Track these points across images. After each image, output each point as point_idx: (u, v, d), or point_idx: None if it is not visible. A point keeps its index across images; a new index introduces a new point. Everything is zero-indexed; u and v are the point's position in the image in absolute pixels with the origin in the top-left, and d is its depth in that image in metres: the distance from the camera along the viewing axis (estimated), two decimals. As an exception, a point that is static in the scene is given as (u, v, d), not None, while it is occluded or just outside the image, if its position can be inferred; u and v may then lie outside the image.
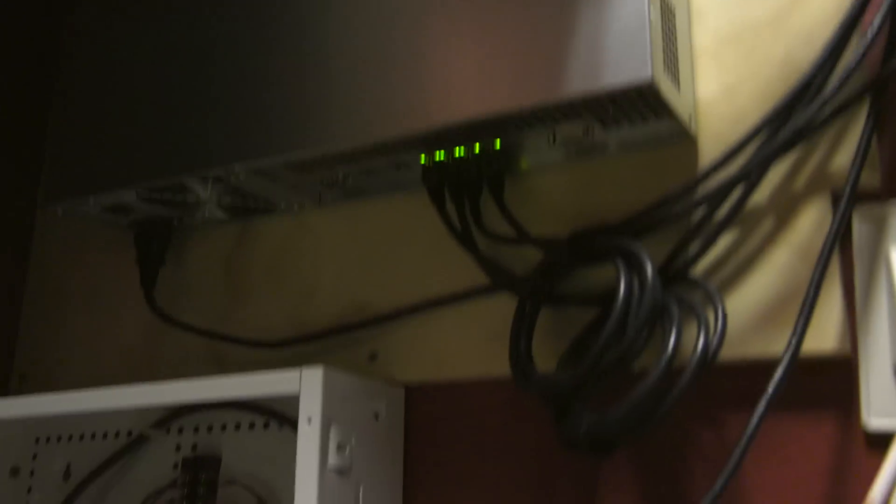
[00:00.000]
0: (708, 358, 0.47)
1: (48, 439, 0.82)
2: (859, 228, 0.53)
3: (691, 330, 0.50)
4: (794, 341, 0.49)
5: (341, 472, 0.58)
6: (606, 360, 0.49)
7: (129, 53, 0.70)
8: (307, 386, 0.58)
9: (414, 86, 0.57)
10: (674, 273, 0.54)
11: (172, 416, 0.75)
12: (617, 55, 0.50)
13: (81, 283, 0.84)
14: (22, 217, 0.88)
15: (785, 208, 0.54)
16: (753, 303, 0.54)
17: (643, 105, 0.54)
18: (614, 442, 0.49)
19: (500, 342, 0.61)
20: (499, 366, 0.61)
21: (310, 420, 0.57)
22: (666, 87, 0.51)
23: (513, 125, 0.57)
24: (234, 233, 0.77)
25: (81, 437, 0.81)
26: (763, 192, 0.55)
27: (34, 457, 0.82)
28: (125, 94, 0.69)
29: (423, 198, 0.67)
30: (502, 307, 0.62)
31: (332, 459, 0.57)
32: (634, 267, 0.51)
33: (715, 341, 0.48)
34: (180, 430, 0.75)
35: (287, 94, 0.62)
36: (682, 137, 0.58)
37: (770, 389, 0.47)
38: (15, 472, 0.82)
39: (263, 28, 0.64)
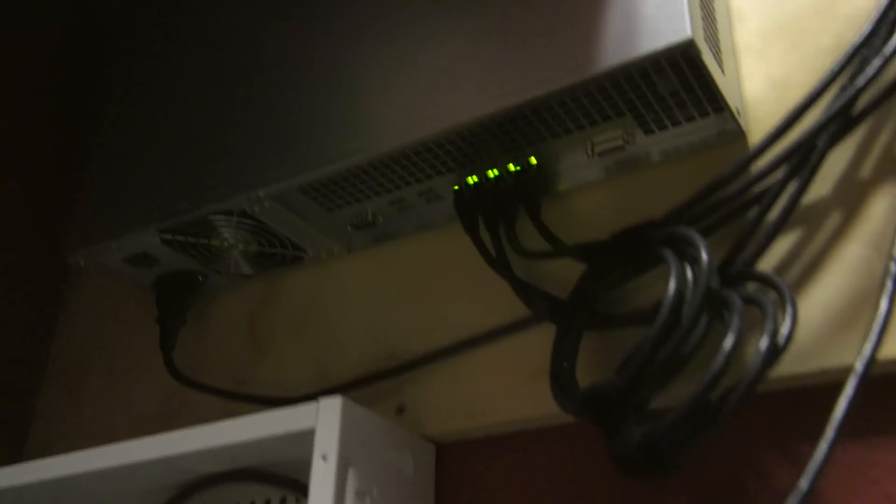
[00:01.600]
0: (777, 352, 0.40)
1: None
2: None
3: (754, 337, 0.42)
4: (868, 348, 0.41)
5: (359, 523, 0.50)
6: (660, 358, 0.42)
7: (148, 99, 0.70)
8: (324, 419, 0.51)
9: (443, 82, 0.54)
10: (734, 273, 0.48)
11: (182, 495, 0.68)
12: (653, 20, 0.47)
13: (102, 352, 0.80)
14: (52, 284, 0.86)
15: (852, 197, 0.48)
16: (824, 306, 0.46)
17: (686, 90, 0.50)
18: (672, 454, 0.41)
19: (541, 379, 0.55)
20: (541, 406, 0.54)
21: (325, 457, 0.50)
22: (709, 60, 0.47)
23: (548, 126, 0.53)
24: (259, 291, 0.73)
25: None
26: (825, 181, 0.49)
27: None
28: (144, 138, 0.68)
29: (454, 233, 0.63)
30: (542, 340, 0.55)
31: (350, 506, 0.50)
32: (686, 253, 0.44)
33: (785, 332, 0.41)
34: (193, 512, 0.68)
35: (306, 112, 0.60)
36: (732, 135, 0.53)
37: (842, 405, 0.39)
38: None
39: (276, 52, 0.64)
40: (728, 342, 0.40)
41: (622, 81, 0.50)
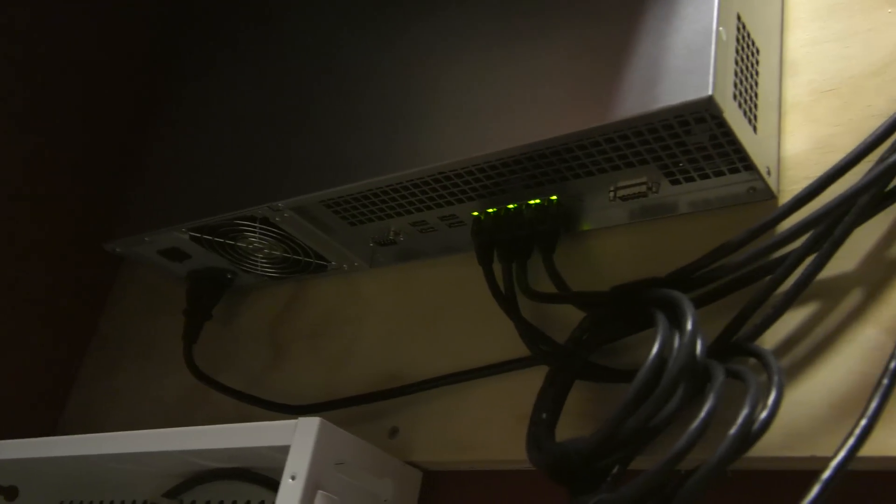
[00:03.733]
0: (750, 433, 0.37)
1: (71, 503, 0.78)
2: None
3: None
4: (850, 442, 0.36)
5: (321, 547, 0.49)
6: (628, 426, 0.39)
7: (199, 105, 0.71)
8: (300, 438, 0.51)
9: (469, 114, 0.53)
10: (733, 344, 0.44)
11: (187, 484, 0.69)
12: (678, 73, 0.44)
13: (141, 339, 0.82)
14: (103, 270, 0.90)
15: (875, 277, 0.44)
16: (828, 389, 0.42)
17: (715, 146, 0.47)
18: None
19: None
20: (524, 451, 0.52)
21: (294, 477, 0.50)
22: (734, 119, 0.44)
23: (569, 167, 0.51)
24: (285, 294, 0.73)
25: (102, 504, 0.77)
26: (848, 257, 0.45)
27: (56, 520, 0.78)
28: (192, 140, 0.70)
29: (474, 261, 0.61)
30: (539, 382, 0.53)
31: (313, 528, 0.49)
32: (675, 320, 0.42)
33: (762, 417, 0.37)
34: (193, 504, 0.69)
35: (333, 128, 0.60)
36: (762, 194, 0.49)
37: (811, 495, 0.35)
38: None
39: (308, 68, 0.64)
40: (696, 421, 0.37)
41: (645, 131, 0.47)
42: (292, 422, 0.52)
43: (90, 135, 0.89)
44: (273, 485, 0.63)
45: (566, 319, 0.55)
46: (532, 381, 0.55)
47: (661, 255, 0.53)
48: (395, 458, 0.56)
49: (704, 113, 0.44)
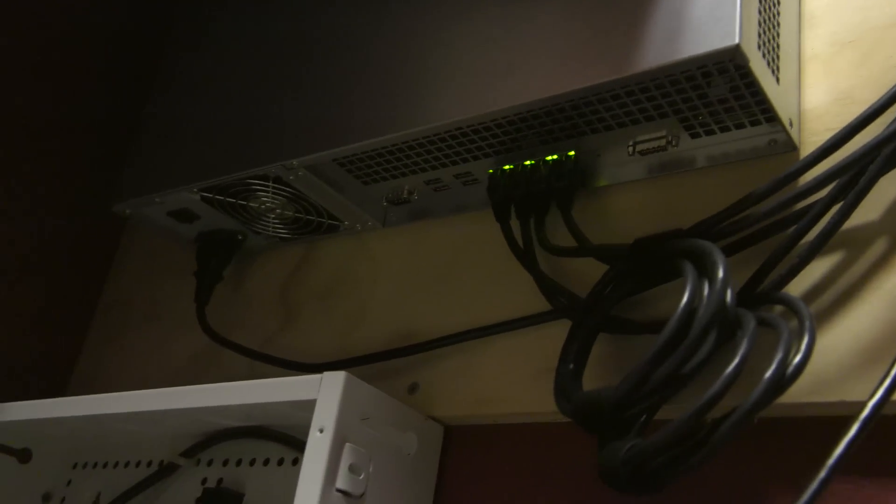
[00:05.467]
0: (783, 379, 0.37)
1: (85, 465, 0.79)
2: None
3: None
4: (883, 387, 0.37)
5: (350, 498, 0.50)
6: (659, 374, 0.40)
7: (201, 65, 0.70)
8: (326, 392, 0.51)
9: (484, 68, 0.53)
10: (759, 293, 0.45)
11: (203, 444, 0.69)
12: (702, 22, 0.44)
13: (146, 301, 0.82)
14: (108, 232, 0.89)
15: (902, 225, 0.44)
16: (854, 336, 0.43)
17: (737, 97, 0.47)
18: (658, 474, 0.39)
19: (551, 376, 0.53)
20: (549, 403, 0.52)
21: (322, 430, 0.50)
22: (759, 69, 0.44)
23: (588, 122, 0.52)
24: (294, 256, 0.73)
25: (116, 465, 0.77)
26: (873, 207, 0.45)
27: (68, 483, 0.79)
28: (196, 100, 0.69)
29: (488, 218, 0.61)
30: (558, 336, 0.54)
31: (342, 481, 0.49)
32: (706, 268, 0.42)
33: (796, 362, 0.38)
34: (210, 463, 0.70)
35: (346, 86, 0.59)
36: (783, 146, 0.50)
37: (842, 445, 0.36)
38: (47, 497, 0.78)
39: (320, 26, 0.63)
40: (730, 367, 0.37)
41: (666, 83, 0.47)
42: (317, 376, 0.52)
43: (97, 96, 0.88)
44: (291, 441, 0.63)
45: (583, 275, 0.55)
46: (550, 335, 0.55)
47: (679, 210, 0.53)
48: (418, 413, 0.57)
49: (729, 63, 0.44)
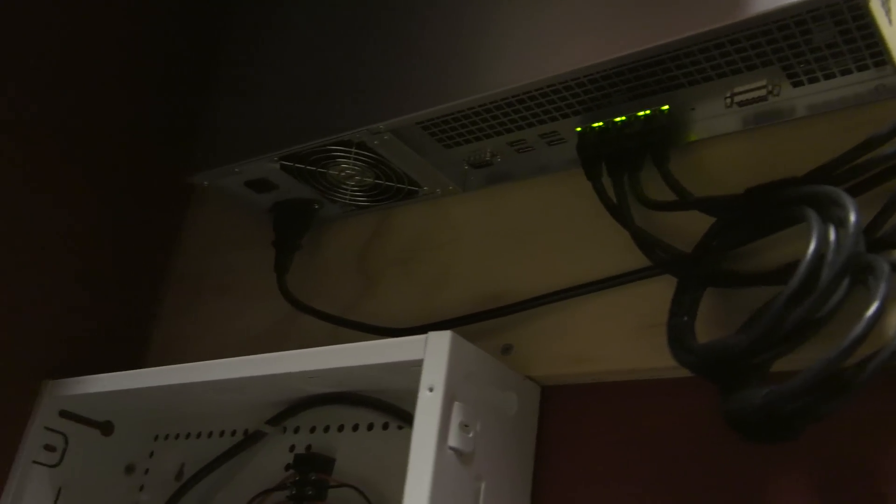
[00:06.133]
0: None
1: (166, 436, 0.80)
2: None
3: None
4: None
5: (462, 456, 0.50)
6: (791, 320, 0.40)
7: (278, 29, 0.70)
8: (432, 352, 0.52)
9: (576, 20, 0.52)
10: (879, 238, 0.45)
11: (289, 412, 0.70)
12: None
13: (218, 272, 0.83)
14: (176, 205, 0.89)
15: None
16: None
17: (846, 41, 0.46)
18: (795, 420, 0.39)
19: (653, 332, 0.53)
20: (653, 358, 0.53)
21: (431, 389, 0.50)
22: (876, 8, 0.44)
23: (686, 73, 0.51)
24: (371, 223, 0.73)
25: (199, 436, 0.78)
26: None
27: (150, 454, 0.80)
28: (272, 67, 0.69)
29: (570, 179, 0.61)
30: (657, 292, 0.54)
31: (454, 438, 0.50)
32: (830, 213, 0.42)
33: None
34: (296, 430, 0.70)
35: (431, 47, 0.59)
36: (891, 92, 0.49)
37: None
38: (130, 469, 0.79)
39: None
40: (872, 309, 0.37)
41: (774, 29, 0.47)
42: (421, 337, 0.53)
43: (167, 67, 0.87)
44: (381, 406, 0.64)
45: (677, 229, 0.55)
46: (648, 291, 0.55)
47: (779, 161, 0.53)
48: (516, 373, 0.57)
49: (843, 4, 0.44)
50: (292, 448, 0.70)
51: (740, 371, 0.42)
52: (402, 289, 0.69)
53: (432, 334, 0.52)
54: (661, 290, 0.54)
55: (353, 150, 0.64)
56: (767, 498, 0.47)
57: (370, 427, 0.66)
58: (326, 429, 0.68)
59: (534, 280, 0.61)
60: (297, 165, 0.66)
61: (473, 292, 0.64)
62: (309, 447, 0.68)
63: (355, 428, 0.67)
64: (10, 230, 0.74)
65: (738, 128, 0.55)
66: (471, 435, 0.51)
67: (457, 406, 0.51)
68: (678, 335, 0.46)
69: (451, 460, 0.50)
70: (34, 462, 0.72)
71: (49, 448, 0.73)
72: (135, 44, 0.86)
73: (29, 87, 0.77)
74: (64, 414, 0.74)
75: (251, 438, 0.72)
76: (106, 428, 0.77)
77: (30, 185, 0.76)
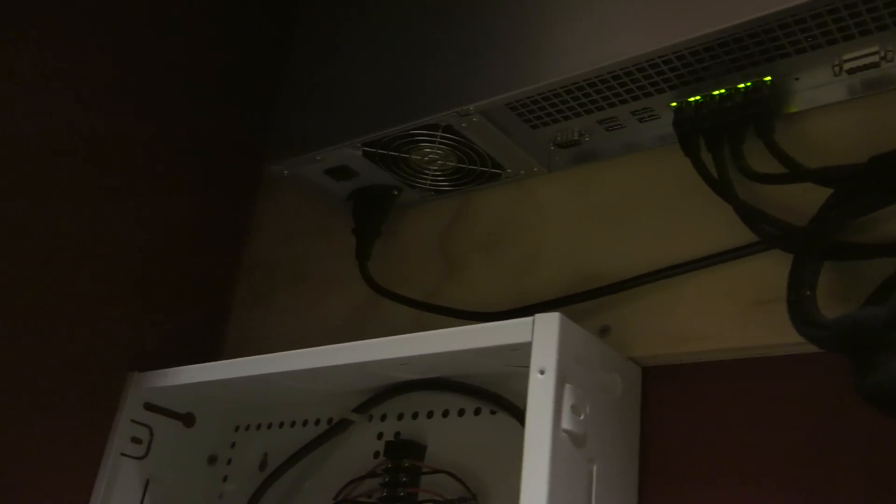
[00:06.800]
0: None
1: (248, 427, 0.80)
2: None
3: None
4: None
5: (575, 438, 0.50)
6: (936, 289, 0.39)
7: (356, 16, 0.69)
8: (541, 334, 0.51)
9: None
10: None
11: (376, 399, 0.69)
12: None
13: (291, 261, 0.82)
14: (246, 195, 0.89)
15: None
16: None
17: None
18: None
19: (763, 308, 0.52)
20: (763, 336, 0.52)
21: (542, 371, 0.50)
22: None
23: (794, 41, 0.50)
24: (450, 208, 0.73)
25: (281, 425, 0.77)
26: None
27: (232, 445, 0.80)
28: (351, 54, 0.68)
29: (661, 155, 0.60)
30: (764, 269, 0.53)
31: (566, 421, 0.49)
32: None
33: None
34: (383, 418, 0.70)
35: (520, 27, 0.58)
36: None
37: None
38: (212, 460, 0.79)
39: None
40: None
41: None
42: (528, 319, 0.52)
43: (239, 63, 0.87)
44: (478, 393, 0.63)
45: (782, 203, 0.54)
46: (755, 267, 0.54)
47: (889, 131, 0.51)
48: (619, 354, 0.56)
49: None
50: (380, 436, 0.69)
51: (878, 345, 0.41)
52: (489, 273, 0.68)
53: (540, 316, 0.51)
54: (768, 266, 0.53)
55: (438, 133, 0.63)
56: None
57: (461, 413, 0.65)
58: (415, 415, 0.68)
59: (629, 259, 0.60)
60: (379, 151, 0.66)
61: (565, 274, 0.63)
62: (398, 434, 0.68)
63: (445, 414, 0.66)
64: (96, 233, 0.74)
65: (843, 97, 0.54)
66: (582, 417, 0.50)
67: (568, 388, 0.50)
68: (803, 310, 0.45)
69: (566, 443, 0.49)
70: (122, 455, 0.72)
71: (136, 440, 0.73)
72: (206, 37, 0.86)
73: (103, 80, 0.77)
74: (149, 406, 0.75)
75: (337, 427, 0.71)
76: (188, 420, 0.77)
77: (109, 189, 0.76)
